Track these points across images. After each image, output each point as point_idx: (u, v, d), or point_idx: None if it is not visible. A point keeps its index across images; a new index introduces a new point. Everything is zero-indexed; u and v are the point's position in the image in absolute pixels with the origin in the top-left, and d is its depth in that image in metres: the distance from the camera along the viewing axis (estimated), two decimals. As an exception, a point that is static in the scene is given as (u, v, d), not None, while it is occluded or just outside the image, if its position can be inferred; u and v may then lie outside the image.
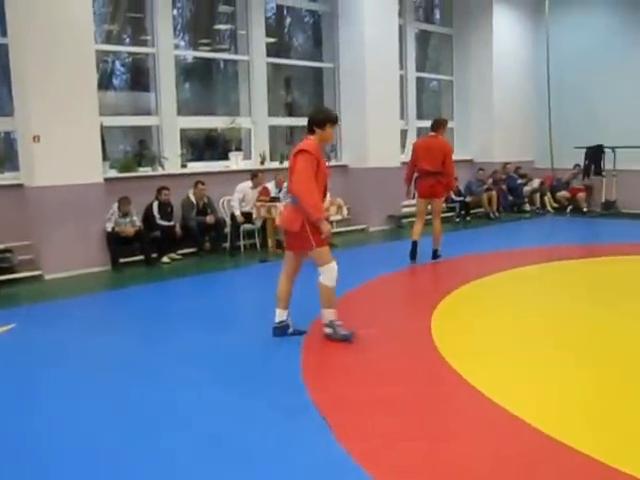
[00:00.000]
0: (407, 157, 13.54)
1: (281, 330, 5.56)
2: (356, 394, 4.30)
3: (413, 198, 9.19)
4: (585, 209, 14.79)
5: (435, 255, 9.04)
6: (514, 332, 5.66)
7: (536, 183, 15.51)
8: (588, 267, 8.89)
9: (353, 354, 5.12)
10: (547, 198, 15.26)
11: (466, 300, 6.87)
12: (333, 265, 5.34)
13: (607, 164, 14.76)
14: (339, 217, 10.51)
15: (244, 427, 3.83)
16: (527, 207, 15.21)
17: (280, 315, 5.57)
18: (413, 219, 9.74)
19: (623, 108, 14.82)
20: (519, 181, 15.27)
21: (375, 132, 12.49)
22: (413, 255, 8.82)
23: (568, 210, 14.93)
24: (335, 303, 5.41)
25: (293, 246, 5.49)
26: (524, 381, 4.51)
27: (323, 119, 5.37)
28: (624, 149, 14.21)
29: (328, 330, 5.43)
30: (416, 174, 8.93)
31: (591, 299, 6.91)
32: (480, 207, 14.45)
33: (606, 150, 14.67)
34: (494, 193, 14.44)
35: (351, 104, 12.63)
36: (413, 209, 9.98)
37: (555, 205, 15.17)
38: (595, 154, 14.79)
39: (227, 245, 10.34)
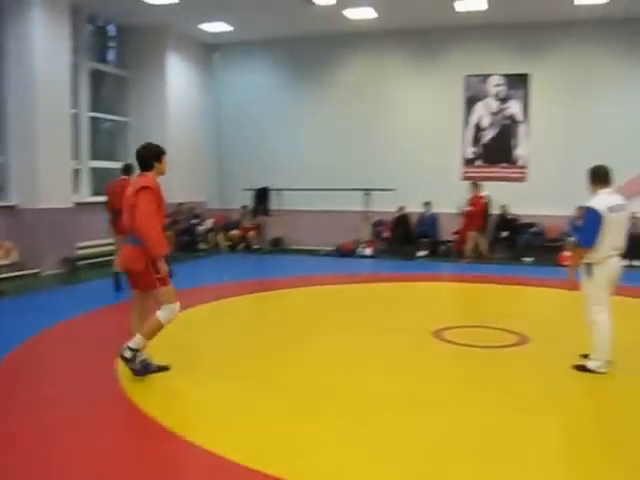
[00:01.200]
0: (81, 198, 13.24)
1: (145, 369, 5.34)
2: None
3: None
4: (256, 246, 15.93)
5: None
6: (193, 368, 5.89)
7: (210, 223, 16.19)
8: (261, 301, 9.61)
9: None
10: (220, 237, 16.02)
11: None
12: (175, 306, 5.27)
13: (273, 204, 16.16)
14: (6, 261, 9.80)
15: None
16: (202, 246, 15.77)
17: (143, 354, 5.34)
18: (91, 261, 9.50)
19: (288, 154, 16.42)
20: (193, 221, 15.78)
21: (46, 171, 11.82)
22: (117, 287, 9.21)
23: (241, 247, 15.90)
24: (150, 339, 5.30)
25: (137, 285, 5.31)
26: (218, 416, 4.69)
27: (159, 152, 5.29)
28: (288, 191, 15.72)
29: (129, 354, 5.22)
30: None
31: (261, 332, 7.52)
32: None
33: (272, 191, 16.06)
34: (170, 233, 14.65)
35: (20, 142, 11.80)
36: (89, 251, 9.77)
37: (228, 243, 16.00)
38: (262, 195, 16.08)
39: None
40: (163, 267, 5.16)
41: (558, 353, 6.31)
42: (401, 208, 15.24)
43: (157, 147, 5.37)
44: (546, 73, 14.89)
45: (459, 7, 13.59)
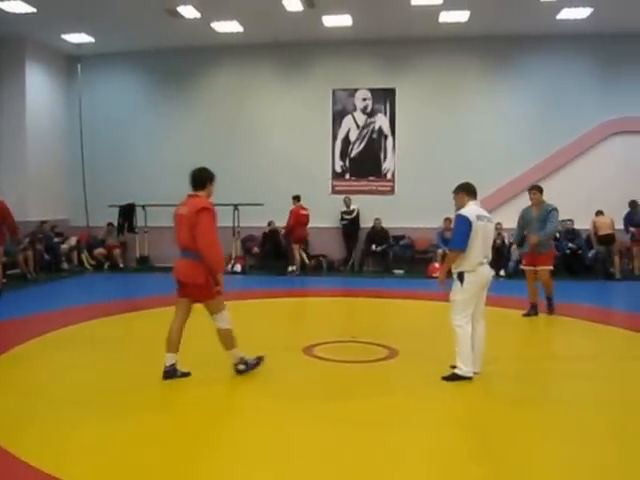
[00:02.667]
0: None
1: (171, 373, 5.72)
2: None
3: None
4: (122, 265, 15.12)
5: None
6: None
7: (73, 241, 15.23)
8: (124, 322, 8.98)
9: None
10: (84, 256, 15.11)
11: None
12: (226, 311, 5.79)
13: (140, 221, 15.42)
14: None
15: None
16: (65, 266, 14.77)
17: (171, 359, 5.73)
18: None
19: (154, 169, 15.77)
20: (56, 240, 14.77)
21: None
22: None
23: (106, 266, 15.03)
24: (236, 345, 5.82)
25: (191, 296, 5.74)
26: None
27: (212, 175, 5.81)
28: (154, 207, 15.05)
29: (241, 367, 5.85)
30: None
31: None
32: (16, 268, 13.46)
33: (138, 208, 15.33)
34: (30, 253, 13.64)
35: None
36: None
37: (92, 262, 15.10)
38: (128, 212, 15.32)
39: None
40: (222, 279, 5.73)
41: (427, 365, 6.28)
42: (270, 223, 15.03)
43: (210, 171, 5.85)
44: (411, 88, 15.31)
45: (327, 22, 13.66)
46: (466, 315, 5.68)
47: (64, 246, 14.91)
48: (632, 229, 13.73)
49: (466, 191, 5.88)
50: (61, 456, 4.05)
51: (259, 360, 6.03)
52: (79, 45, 14.98)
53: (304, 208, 14.07)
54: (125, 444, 4.25)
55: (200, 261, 5.54)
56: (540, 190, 8.94)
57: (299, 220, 14.01)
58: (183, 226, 5.61)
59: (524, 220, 9.07)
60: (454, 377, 5.69)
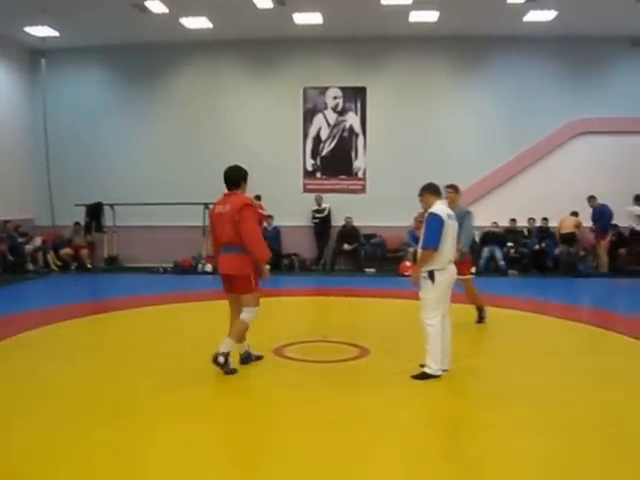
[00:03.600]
0: None
1: (246, 359, 6.28)
2: None
3: None
4: (89, 265, 14.86)
5: None
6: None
7: (38, 241, 14.88)
8: (88, 325, 8.81)
9: None
10: (50, 256, 14.79)
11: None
12: (258, 308, 6.06)
13: (108, 221, 15.18)
14: None
15: None
16: (30, 267, 14.44)
17: (243, 347, 6.27)
18: None
19: (123, 168, 15.47)
20: (20, 240, 14.42)
21: None
22: None
23: (73, 267, 14.75)
24: (240, 341, 6.10)
25: (235, 289, 6.02)
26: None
27: (245, 174, 6.17)
28: (123, 206, 14.83)
29: (221, 359, 5.85)
30: None
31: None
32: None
33: (106, 207, 15.08)
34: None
35: None
36: None
37: (59, 263, 14.77)
38: (95, 211, 15.04)
39: None
40: (266, 270, 6.14)
41: (398, 364, 6.26)
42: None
43: (243, 170, 6.21)
44: (382, 86, 15.31)
45: (297, 20, 13.60)
46: (438, 314, 5.67)
47: (29, 246, 14.50)
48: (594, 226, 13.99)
49: (431, 191, 5.93)
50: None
51: (234, 370, 6.00)
52: (43, 39, 14.60)
53: (262, 208, 13.98)
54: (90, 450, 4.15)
55: (245, 254, 5.89)
56: (456, 189, 8.20)
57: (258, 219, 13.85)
58: (225, 223, 5.89)
59: None
60: (424, 376, 5.68)
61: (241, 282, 5.96)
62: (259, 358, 6.39)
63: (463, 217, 7.70)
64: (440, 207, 5.80)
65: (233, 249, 5.92)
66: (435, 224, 5.67)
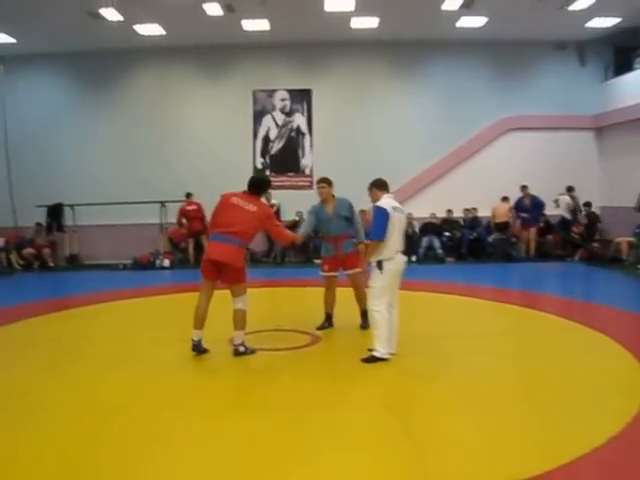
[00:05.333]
0: None
1: (197, 348, 6.12)
2: None
3: None
4: (52, 264, 14.56)
5: None
6: None
7: (1, 242, 14.48)
8: (50, 322, 8.67)
9: None
10: (13, 256, 14.43)
11: None
12: (246, 295, 6.16)
13: (68, 220, 14.88)
14: None
15: None
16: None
17: (197, 335, 6.12)
18: None
19: (81, 169, 15.18)
20: (-18, 241, 14.06)
21: None
22: None
23: (35, 266, 14.43)
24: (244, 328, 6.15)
25: (224, 278, 6.09)
26: None
27: (270, 185, 6.68)
28: (82, 206, 14.56)
29: (241, 349, 6.12)
30: None
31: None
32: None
33: (66, 207, 14.78)
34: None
35: None
36: None
37: (21, 262, 14.43)
38: (56, 211, 14.73)
39: None
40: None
41: (347, 349, 6.41)
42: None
43: (270, 182, 6.80)
44: (326, 88, 15.40)
45: (246, 26, 13.54)
46: (384, 301, 5.76)
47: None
48: (522, 214, 14.35)
49: (377, 186, 6.01)
50: None
51: (254, 350, 6.25)
52: (1, 45, 14.18)
53: (193, 203, 14.01)
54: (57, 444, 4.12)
55: (242, 247, 6.11)
56: (329, 183, 7.20)
57: (186, 215, 14.16)
58: (248, 219, 6.03)
59: (318, 220, 7.25)
60: (372, 359, 5.77)
61: (235, 273, 6.05)
62: (205, 351, 6.26)
63: (350, 211, 7.15)
64: (386, 201, 5.85)
65: (234, 241, 6.00)
66: (380, 217, 5.72)
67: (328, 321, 7.42)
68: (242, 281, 6.16)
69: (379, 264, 5.75)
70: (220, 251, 6.00)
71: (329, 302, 7.44)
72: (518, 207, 14.39)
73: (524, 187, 14.29)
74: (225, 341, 6.61)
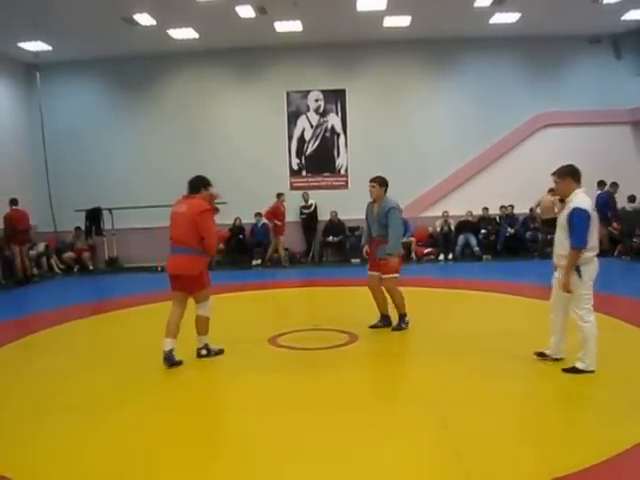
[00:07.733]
0: None
1: (169, 359, 5.77)
2: None
3: None
4: (91, 267, 14.79)
5: None
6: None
7: (41, 247, 14.78)
8: (98, 323, 8.79)
9: None
10: (54, 260, 14.70)
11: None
12: (210, 301, 6.04)
13: (107, 224, 15.07)
14: None
15: None
16: (35, 271, 14.30)
17: (170, 344, 5.79)
18: None
19: (119, 173, 15.42)
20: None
21: None
22: None
23: (75, 270, 14.68)
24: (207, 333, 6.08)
25: (185, 288, 5.90)
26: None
27: (206, 181, 6.02)
28: (120, 210, 14.73)
29: (204, 352, 6.09)
30: None
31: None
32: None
33: (104, 211, 14.97)
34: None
35: None
36: None
37: (62, 266, 14.71)
38: (94, 215, 14.93)
39: None
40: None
41: (383, 346, 6.39)
42: (236, 220, 14.88)
43: (204, 178, 6.07)
44: (360, 88, 15.36)
45: (278, 28, 13.56)
46: (591, 309, 5.19)
47: (32, 252, 14.38)
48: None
49: (573, 175, 5.41)
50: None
51: (220, 351, 6.24)
52: (36, 53, 14.44)
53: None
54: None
55: (197, 255, 5.83)
56: (380, 183, 6.92)
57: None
58: (179, 223, 5.82)
59: (367, 218, 7.28)
60: (573, 370, 5.15)
61: (191, 282, 5.87)
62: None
63: (387, 215, 6.82)
64: (583, 197, 5.33)
65: (185, 250, 5.80)
66: (584, 221, 5.12)
67: (382, 321, 7.24)
68: (203, 288, 5.98)
69: (577, 270, 5.13)
70: (173, 264, 5.91)
71: (377, 302, 7.29)
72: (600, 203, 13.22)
73: (601, 182, 13.86)
74: (265, 339, 6.61)
